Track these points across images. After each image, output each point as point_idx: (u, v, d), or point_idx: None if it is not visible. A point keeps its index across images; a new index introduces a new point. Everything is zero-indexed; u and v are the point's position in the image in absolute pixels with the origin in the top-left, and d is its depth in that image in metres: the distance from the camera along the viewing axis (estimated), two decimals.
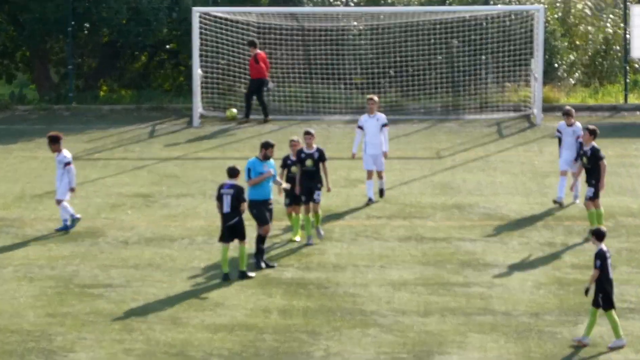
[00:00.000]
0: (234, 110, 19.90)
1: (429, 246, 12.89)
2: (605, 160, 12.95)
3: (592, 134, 12.99)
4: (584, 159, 12.96)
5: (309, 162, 12.73)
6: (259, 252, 11.80)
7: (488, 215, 14.21)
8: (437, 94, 21.22)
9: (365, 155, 14.55)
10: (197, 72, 20.54)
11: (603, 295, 9.65)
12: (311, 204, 12.53)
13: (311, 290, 11.31)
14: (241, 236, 11.57)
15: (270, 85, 20.33)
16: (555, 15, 22.65)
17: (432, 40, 21.21)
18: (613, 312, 9.69)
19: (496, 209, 14.46)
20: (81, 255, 12.53)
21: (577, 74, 22.65)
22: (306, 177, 12.53)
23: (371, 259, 12.44)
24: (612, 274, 9.75)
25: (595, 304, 9.68)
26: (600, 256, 9.68)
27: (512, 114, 21.05)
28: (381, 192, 14.68)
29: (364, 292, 11.23)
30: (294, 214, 12.73)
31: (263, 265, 11.78)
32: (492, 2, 22.05)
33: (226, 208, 11.53)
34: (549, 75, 21.84)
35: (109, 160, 17.83)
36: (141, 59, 23.68)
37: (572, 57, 22.54)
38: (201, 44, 20.76)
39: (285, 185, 12.27)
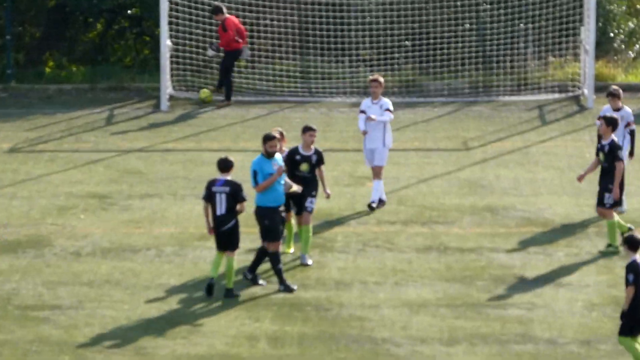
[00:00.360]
0: (207, 91, 19.68)
1: (454, 258, 12.93)
2: (624, 163, 12.95)
3: (611, 123, 12.90)
4: (601, 155, 12.94)
5: (304, 167, 12.72)
6: (256, 264, 11.82)
7: (528, 220, 14.25)
8: (465, 70, 21.31)
9: (365, 150, 14.62)
10: (166, 43, 20.60)
11: (629, 319, 9.54)
12: (304, 214, 12.47)
13: (308, 313, 11.34)
14: (233, 246, 11.59)
15: (246, 52, 20.30)
16: None
17: (459, 4, 21.31)
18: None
19: (538, 213, 14.50)
20: (22, 270, 12.56)
21: (637, 46, 22.70)
22: (299, 184, 12.40)
23: (383, 274, 12.47)
24: None
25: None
26: (634, 269, 9.63)
27: (557, 95, 21.14)
28: (379, 202, 14.49)
29: (374, 315, 11.27)
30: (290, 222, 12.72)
31: (262, 282, 11.83)
32: None
33: (220, 209, 11.53)
34: (603, 47, 21.94)
35: (57, 153, 17.86)
36: (96, 27, 23.75)
37: (631, 25, 22.59)
38: (171, 9, 20.83)
39: (296, 188, 12.10)
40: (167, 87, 20.53)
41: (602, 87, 21.40)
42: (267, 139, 11.90)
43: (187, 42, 21.31)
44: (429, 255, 12.98)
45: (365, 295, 11.75)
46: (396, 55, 21.45)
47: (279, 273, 11.72)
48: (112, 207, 14.84)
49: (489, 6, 21.50)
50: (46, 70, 22.76)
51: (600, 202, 12.86)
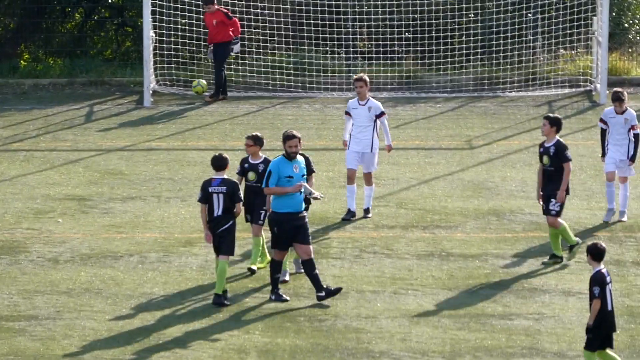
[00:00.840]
0: (204, 82, 19.66)
1: (457, 265, 13.02)
2: (571, 164, 12.95)
3: (555, 124, 12.82)
4: (545, 159, 12.82)
5: (251, 176, 12.49)
6: (275, 282, 11.71)
7: (536, 225, 14.35)
8: (469, 64, 21.45)
9: (348, 152, 14.43)
10: (149, 34, 20.72)
11: (596, 334, 9.56)
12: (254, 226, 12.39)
13: (301, 324, 11.43)
14: (228, 249, 11.64)
15: (235, 47, 20.32)
16: None
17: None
18: (609, 352, 9.66)
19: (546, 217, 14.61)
20: None
21: None
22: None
23: (381, 282, 12.53)
24: (612, 305, 9.70)
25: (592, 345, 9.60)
26: (599, 281, 9.63)
27: (567, 90, 21.29)
28: (366, 211, 14.42)
29: (371, 327, 11.34)
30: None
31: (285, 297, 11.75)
32: None
33: (218, 210, 11.61)
34: (617, 38, 22.11)
35: (33, 152, 17.93)
36: (74, 17, 23.88)
37: None
38: None
39: (317, 194, 11.82)
40: (150, 81, 20.63)
41: (615, 82, 21.54)
42: (287, 138, 11.55)
43: (173, 33, 21.42)
44: (431, 262, 13.07)
45: (362, 305, 11.83)
46: (396, 47, 21.56)
47: (274, 282, 11.77)
48: (92, 211, 14.92)
49: None
50: (21, 63, 22.84)
51: (547, 210, 12.71)
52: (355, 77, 14.73)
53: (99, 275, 12.66)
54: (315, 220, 14.29)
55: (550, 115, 13.17)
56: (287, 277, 12.20)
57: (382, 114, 14.38)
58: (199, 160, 17.24)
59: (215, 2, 20.06)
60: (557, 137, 12.94)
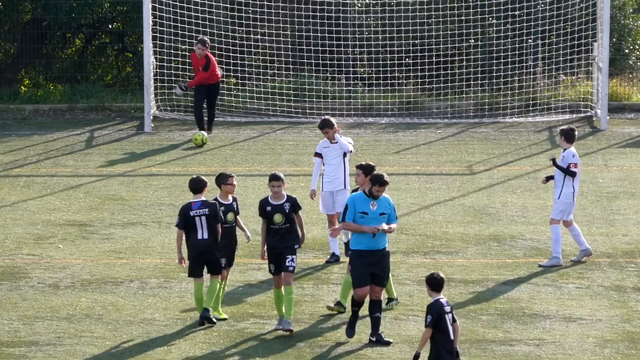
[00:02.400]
0: (204, 134, 18.92)
1: (457, 291, 13.08)
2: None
3: (364, 170, 11.84)
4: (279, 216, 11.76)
5: (278, 218, 11.90)
6: (375, 324, 11.32)
7: (536, 250, 14.46)
8: (470, 89, 21.62)
9: (322, 194, 14.00)
10: (150, 60, 20.90)
11: None
12: (283, 275, 11.85)
13: (301, 350, 11.49)
14: (215, 268, 11.75)
15: (178, 90, 20.10)
16: None
17: (463, 19, 21.65)
18: None
19: (547, 242, 14.70)
20: None
21: None
22: (275, 237, 11.85)
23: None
24: (452, 334, 9.68)
25: None
26: (434, 310, 9.63)
27: (568, 116, 21.44)
28: (346, 246, 13.39)
29: (372, 353, 11.39)
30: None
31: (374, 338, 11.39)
32: None
33: (203, 233, 11.68)
34: (617, 64, 22.29)
35: (34, 178, 18.05)
36: (75, 43, 24.07)
37: None
38: (154, 23, 21.16)
39: (387, 227, 11.26)
40: (151, 107, 20.78)
41: (616, 108, 21.73)
42: (378, 182, 11.11)
43: (173, 58, 21.60)
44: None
45: (362, 331, 11.90)
46: (396, 73, 21.73)
47: (352, 319, 11.40)
48: (92, 236, 15.02)
49: (495, 21, 21.79)
50: (22, 89, 23.00)
51: (285, 267, 11.88)
52: (324, 119, 14.33)
53: (99, 301, 12.74)
54: (316, 245, 14.39)
55: (363, 163, 12.22)
56: (291, 327, 11.77)
57: (349, 152, 14.08)
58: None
59: (207, 46, 19.72)
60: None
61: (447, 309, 9.75)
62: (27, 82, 23.61)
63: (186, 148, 19.82)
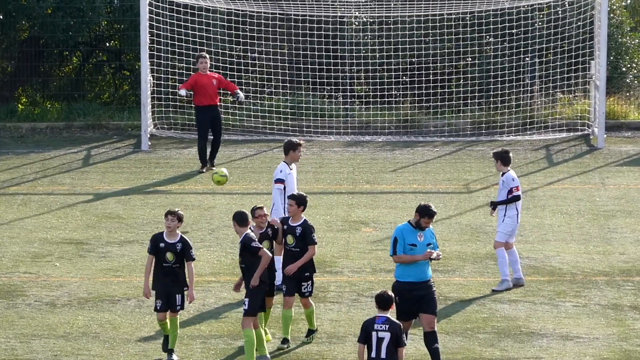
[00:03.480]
0: (224, 171, 14.78)
1: (454, 309, 13.18)
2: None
3: (302, 203, 11.69)
4: (290, 238, 11.86)
5: (289, 239, 11.91)
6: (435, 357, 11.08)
7: (534, 269, 14.55)
8: (466, 107, 21.76)
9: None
10: (147, 78, 21.01)
11: None
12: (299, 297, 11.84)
13: None
14: (176, 304, 11.36)
15: (183, 91, 19.10)
16: (624, 3, 23.29)
17: (460, 37, 21.80)
18: None
19: (544, 261, 14.81)
20: None
21: None
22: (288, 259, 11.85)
23: None
24: (378, 353, 9.67)
25: None
26: (363, 326, 9.71)
27: (565, 134, 21.58)
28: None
29: None
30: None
31: None
32: None
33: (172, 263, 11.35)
34: (615, 82, 22.44)
35: (30, 196, 18.12)
36: (72, 61, 24.19)
37: None
38: (152, 41, 21.30)
39: (436, 254, 11.23)
40: (148, 125, 20.89)
41: (613, 126, 21.86)
42: (427, 214, 11.09)
43: (170, 77, 21.71)
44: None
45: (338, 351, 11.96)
46: (393, 91, 21.86)
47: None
48: (89, 255, 15.09)
49: (492, 39, 21.95)
50: (19, 107, 23.11)
51: (302, 293, 11.98)
52: (293, 141, 13.64)
53: (96, 319, 12.80)
54: (319, 265, 14.47)
55: (296, 193, 12.21)
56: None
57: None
58: (197, 204, 17.46)
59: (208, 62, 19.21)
60: (303, 215, 12.10)
61: (380, 327, 9.77)
62: (24, 100, 23.71)
63: (184, 166, 19.92)
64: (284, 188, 13.39)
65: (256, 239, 11.34)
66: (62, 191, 18.32)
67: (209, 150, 19.37)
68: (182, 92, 19.21)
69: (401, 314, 11.21)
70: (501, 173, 13.79)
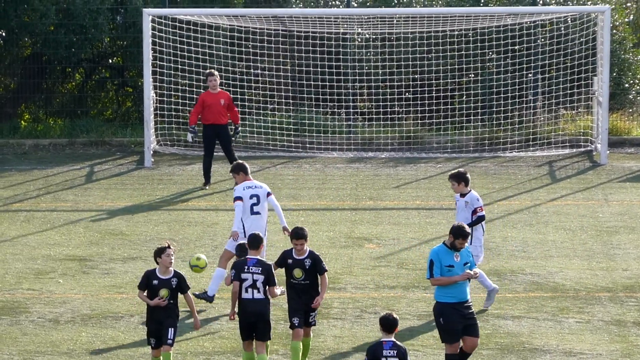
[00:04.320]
0: (203, 258, 13.42)
1: None
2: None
3: (298, 235, 11.38)
4: (298, 272, 11.57)
5: (297, 272, 11.67)
6: None
7: (537, 285, 14.60)
8: (469, 124, 21.86)
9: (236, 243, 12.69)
10: (150, 95, 21.14)
11: None
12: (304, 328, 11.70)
13: None
14: (168, 339, 11.03)
15: (189, 137, 19.14)
16: (626, 19, 23.40)
17: (463, 54, 21.92)
18: None
19: (547, 277, 14.88)
20: None
21: None
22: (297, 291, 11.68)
23: None
24: None
25: None
26: (369, 351, 9.59)
27: (568, 151, 21.67)
28: (205, 293, 13.12)
29: None
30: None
31: None
32: (540, 3, 22.74)
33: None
34: (618, 99, 22.55)
35: (33, 213, 18.20)
36: (75, 77, 24.32)
37: None
38: (154, 57, 21.42)
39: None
40: (151, 142, 21.00)
41: (616, 142, 21.96)
42: (461, 235, 11.12)
43: (173, 93, 21.84)
44: (432, 323, 13.28)
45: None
46: (396, 107, 21.97)
47: None
48: (92, 271, 15.15)
49: (495, 55, 22.08)
50: (22, 123, 23.22)
51: (308, 323, 11.79)
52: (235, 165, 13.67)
53: (99, 336, 12.87)
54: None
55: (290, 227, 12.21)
56: None
57: (269, 194, 13.54)
58: (200, 221, 17.55)
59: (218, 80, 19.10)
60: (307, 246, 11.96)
61: (389, 352, 9.70)
62: (27, 116, 23.84)
63: (187, 182, 20.01)
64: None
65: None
66: (65, 208, 18.42)
67: (214, 166, 19.48)
68: (189, 137, 19.12)
69: (446, 335, 11.21)
70: (460, 194, 13.62)
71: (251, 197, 13.56)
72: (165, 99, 21.81)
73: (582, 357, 12.24)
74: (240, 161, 14.17)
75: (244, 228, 13.42)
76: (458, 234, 11.22)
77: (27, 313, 13.59)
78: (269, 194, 13.58)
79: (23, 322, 13.29)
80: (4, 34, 22.98)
